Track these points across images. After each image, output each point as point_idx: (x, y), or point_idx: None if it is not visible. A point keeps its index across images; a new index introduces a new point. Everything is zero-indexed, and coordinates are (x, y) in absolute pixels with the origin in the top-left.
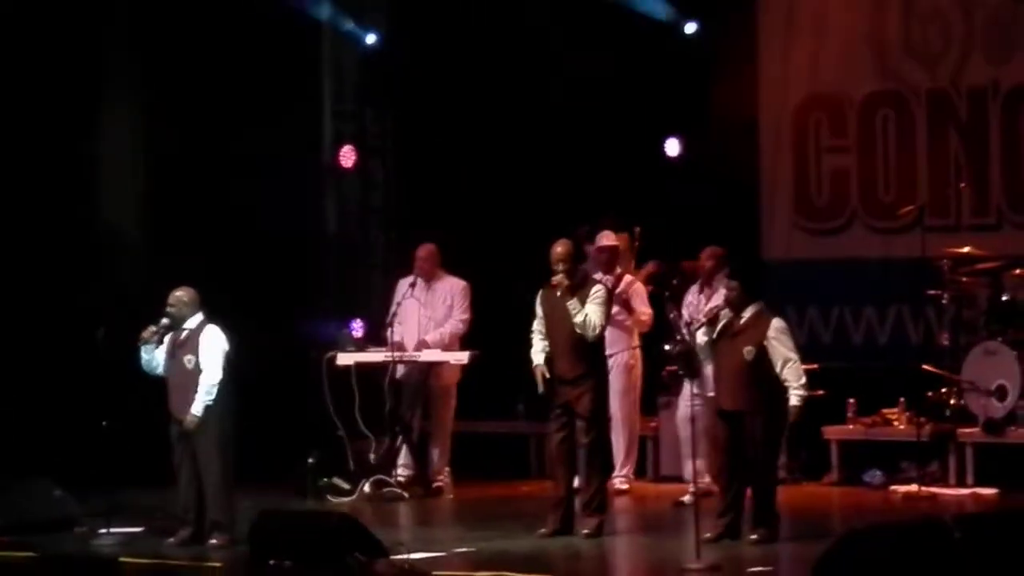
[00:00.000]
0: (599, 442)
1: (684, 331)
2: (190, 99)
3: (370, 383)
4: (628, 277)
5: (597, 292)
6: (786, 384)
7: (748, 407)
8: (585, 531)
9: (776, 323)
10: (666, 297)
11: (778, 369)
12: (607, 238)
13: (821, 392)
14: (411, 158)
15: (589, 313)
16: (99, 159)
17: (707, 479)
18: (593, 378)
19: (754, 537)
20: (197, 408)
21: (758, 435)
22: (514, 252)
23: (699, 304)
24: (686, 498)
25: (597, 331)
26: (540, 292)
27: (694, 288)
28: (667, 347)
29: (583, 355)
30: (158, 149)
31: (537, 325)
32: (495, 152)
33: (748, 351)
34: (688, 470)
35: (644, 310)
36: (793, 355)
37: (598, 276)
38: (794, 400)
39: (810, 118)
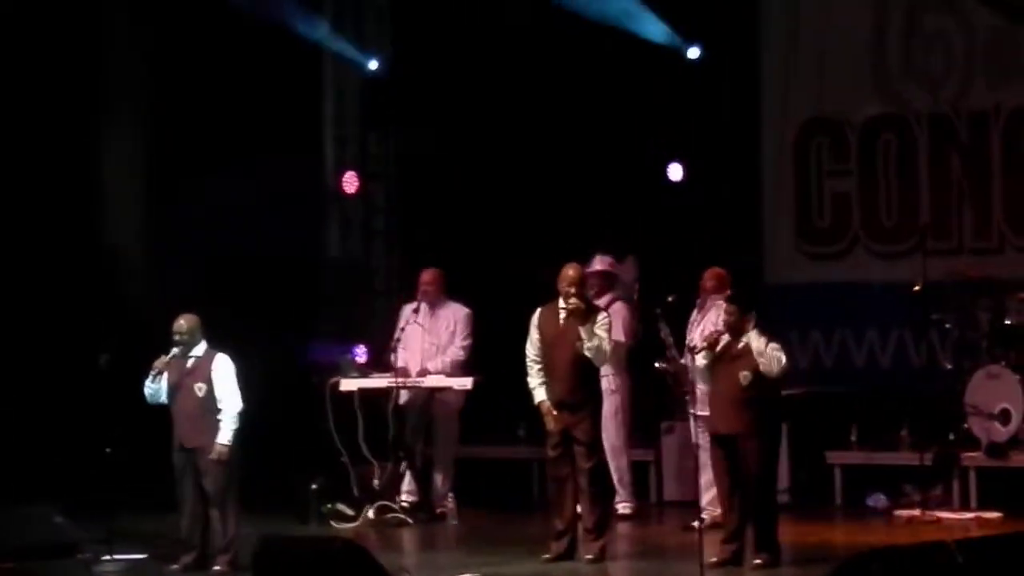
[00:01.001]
0: (599, 467)
1: (673, 350)
2: (193, 123)
3: (373, 409)
4: (617, 305)
5: (603, 320)
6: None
7: (742, 430)
8: (588, 556)
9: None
10: (658, 315)
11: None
12: (599, 263)
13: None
14: (413, 183)
15: (602, 341)
16: (101, 183)
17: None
18: (591, 404)
19: (757, 562)
20: (225, 437)
21: (752, 458)
22: (517, 276)
23: (699, 324)
24: (695, 523)
25: (607, 358)
26: (538, 312)
27: (695, 310)
28: (657, 364)
29: (583, 380)
30: (161, 172)
31: (531, 350)
32: (497, 176)
33: (744, 376)
34: (705, 496)
35: (621, 337)
36: (775, 343)
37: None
38: (771, 350)
39: (812, 142)
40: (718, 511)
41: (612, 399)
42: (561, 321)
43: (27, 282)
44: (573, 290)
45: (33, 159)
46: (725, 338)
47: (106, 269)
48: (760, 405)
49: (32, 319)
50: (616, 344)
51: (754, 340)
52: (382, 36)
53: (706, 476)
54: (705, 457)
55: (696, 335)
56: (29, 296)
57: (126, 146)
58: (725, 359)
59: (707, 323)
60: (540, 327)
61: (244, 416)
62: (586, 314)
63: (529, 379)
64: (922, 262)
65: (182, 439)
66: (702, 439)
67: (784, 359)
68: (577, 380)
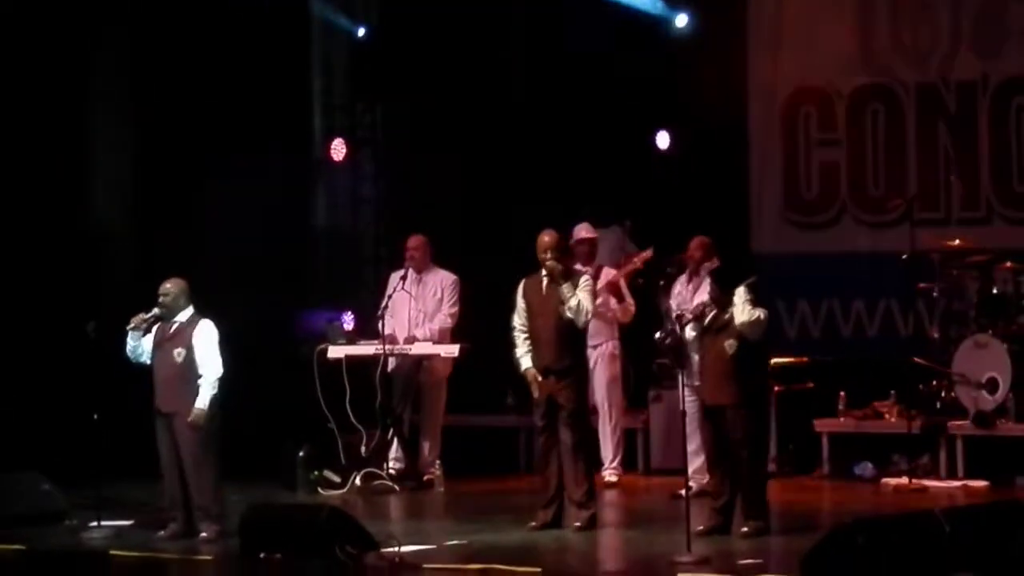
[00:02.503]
0: (584, 435)
1: (674, 323)
2: (180, 93)
3: (361, 376)
4: (607, 269)
5: (585, 281)
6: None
7: (731, 401)
8: (576, 524)
9: (739, 290)
10: (660, 286)
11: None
12: (585, 231)
13: (811, 385)
14: (401, 150)
15: (582, 299)
16: (88, 153)
17: (707, 478)
18: (577, 370)
19: (745, 530)
20: (203, 402)
21: (742, 429)
22: (504, 245)
23: (686, 294)
24: (682, 491)
25: (588, 316)
26: (522, 283)
27: (682, 278)
28: (658, 335)
29: (568, 346)
30: (147, 142)
31: (518, 320)
32: (485, 145)
33: (729, 344)
34: (692, 464)
35: (630, 300)
36: (755, 307)
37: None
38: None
39: (799, 112)
40: (705, 479)
41: (613, 365)
42: (543, 289)
43: (13, 251)
44: (548, 254)
45: (20, 137)
46: (712, 309)
47: (93, 236)
48: (748, 375)
49: (18, 288)
50: (630, 308)
51: (737, 295)
52: (369, 4)
53: (693, 444)
54: (693, 426)
55: (690, 304)
56: (15, 265)
57: (112, 115)
58: (711, 331)
59: (701, 292)
60: (525, 296)
61: (230, 383)
62: (566, 276)
63: (516, 349)
64: (910, 232)
65: (159, 403)
66: (689, 407)
67: (762, 315)
68: (562, 347)
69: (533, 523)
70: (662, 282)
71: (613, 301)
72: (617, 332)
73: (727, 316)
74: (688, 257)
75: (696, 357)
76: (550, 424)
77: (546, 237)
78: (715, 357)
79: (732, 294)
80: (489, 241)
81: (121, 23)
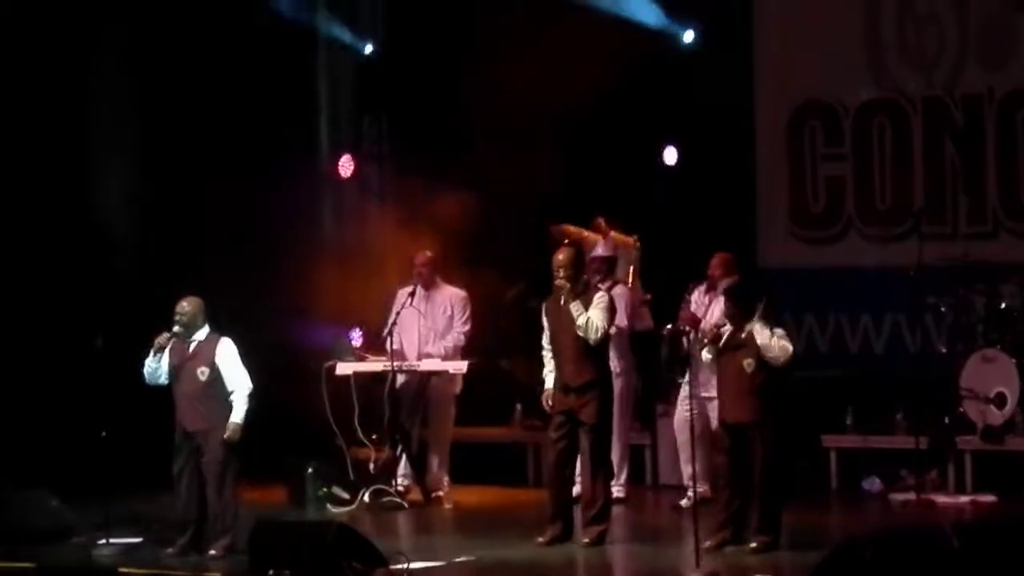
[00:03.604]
0: (602, 451)
1: (689, 336)
2: (187, 108)
3: (369, 392)
4: (619, 288)
5: (601, 298)
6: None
7: (752, 419)
8: (586, 540)
9: (758, 326)
10: (687, 301)
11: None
12: (601, 248)
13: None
14: (407, 165)
15: (592, 316)
16: (94, 166)
17: (705, 486)
18: (599, 386)
19: (754, 545)
20: (238, 416)
21: (761, 446)
22: (512, 260)
23: (702, 308)
24: (683, 502)
25: (599, 334)
26: (544, 304)
27: (701, 288)
28: (667, 329)
29: (589, 362)
30: (155, 157)
31: (545, 341)
32: (491, 160)
33: (748, 363)
34: (687, 473)
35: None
36: (780, 330)
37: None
38: (776, 341)
39: (806, 126)
40: (703, 487)
41: (617, 382)
42: (561, 307)
43: (20, 265)
44: (561, 272)
45: (24, 140)
46: (727, 329)
47: (101, 252)
48: (767, 392)
49: (26, 302)
50: (619, 329)
51: (758, 332)
52: (375, 20)
53: (685, 454)
54: (685, 435)
55: (707, 320)
56: (22, 279)
57: (120, 131)
58: (728, 349)
59: (716, 305)
60: (547, 315)
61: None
62: (580, 294)
63: (543, 368)
64: (917, 246)
65: (184, 422)
66: (688, 417)
67: (790, 347)
68: (581, 363)
69: (541, 538)
70: (688, 296)
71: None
72: (628, 348)
73: (744, 335)
74: (709, 274)
75: (711, 374)
76: (564, 437)
77: (560, 255)
78: (734, 376)
79: (748, 310)
80: (496, 256)
81: (127, 34)
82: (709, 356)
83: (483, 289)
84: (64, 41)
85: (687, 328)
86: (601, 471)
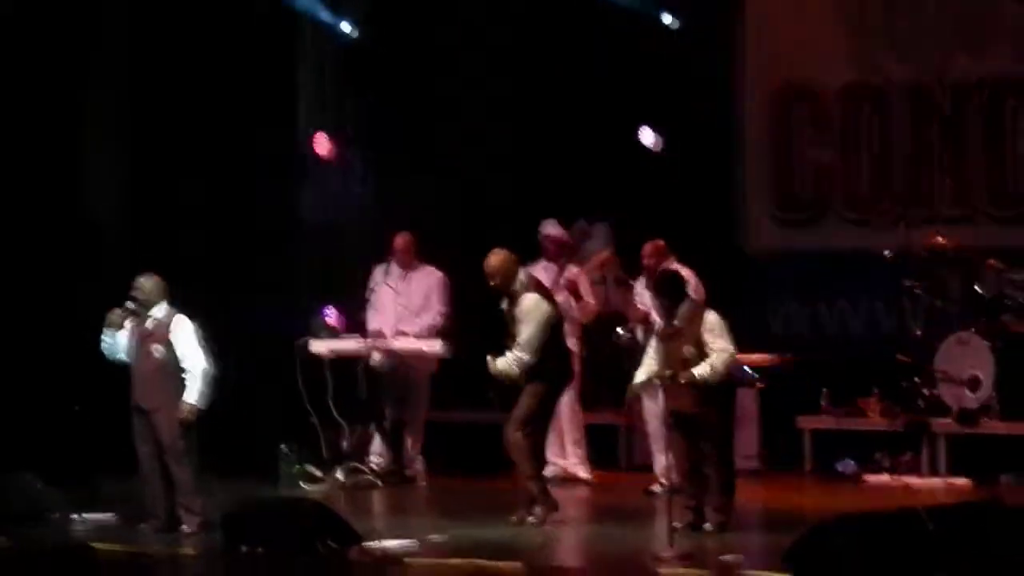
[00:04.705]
0: (522, 438)
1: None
2: (171, 90)
3: (344, 371)
4: (573, 268)
5: (524, 306)
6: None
7: (696, 407)
8: (530, 519)
9: (711, 317)
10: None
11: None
12: (551, 227)
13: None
14: (389, 147)
15: (522, 340)
16: (80, 149)
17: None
18: (535, 378)
19: (708, 525)
20: (192, 396)
21: (709, 431)
22: (490, 243)
23: (646, 297)
24: (655, 487)
25: (528, 344)
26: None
27: (642, 279)
28: (618, 331)
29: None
30: (138, 137)
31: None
32: (472, 142)
33: (687, 350)
34: (658, 463)
35: (590, 299)
36: (730, 347)
37: (542, 264)
38: (699, 370)
39: (789, 110)
40: (672, 476)
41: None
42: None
43: (3, 249)
44: (492, 281)
45: (14, 135)
46: (655, 319)
47: (81, 232)
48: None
49: (4, 287)
50: (588, 308)
51: (701, 369)
52: (358, 0)
53: (656, 444)
54: (655, 424)
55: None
56: (3, 262)
57: (105, 112)
58: (665, 340)
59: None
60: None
61: (213, 377)
62: (511, 304)
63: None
64: (899, 231)
65: (138, 399)
66: (653, 407)
67: (726, 354)
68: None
69: (514, 517)
70: (630, 281)
71: (572, 300)
72: (579, 331)
73: (676, 322)
74: (644, 264)
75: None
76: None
77: (490, 259)
78: (675, 365)
79: (677, 299)
80: (476, 238)
81: (113, 18)
82: (652, 344)
83: (464, 274)
84: (58, 34)
85: (640, 327)
86: (524, 458)
